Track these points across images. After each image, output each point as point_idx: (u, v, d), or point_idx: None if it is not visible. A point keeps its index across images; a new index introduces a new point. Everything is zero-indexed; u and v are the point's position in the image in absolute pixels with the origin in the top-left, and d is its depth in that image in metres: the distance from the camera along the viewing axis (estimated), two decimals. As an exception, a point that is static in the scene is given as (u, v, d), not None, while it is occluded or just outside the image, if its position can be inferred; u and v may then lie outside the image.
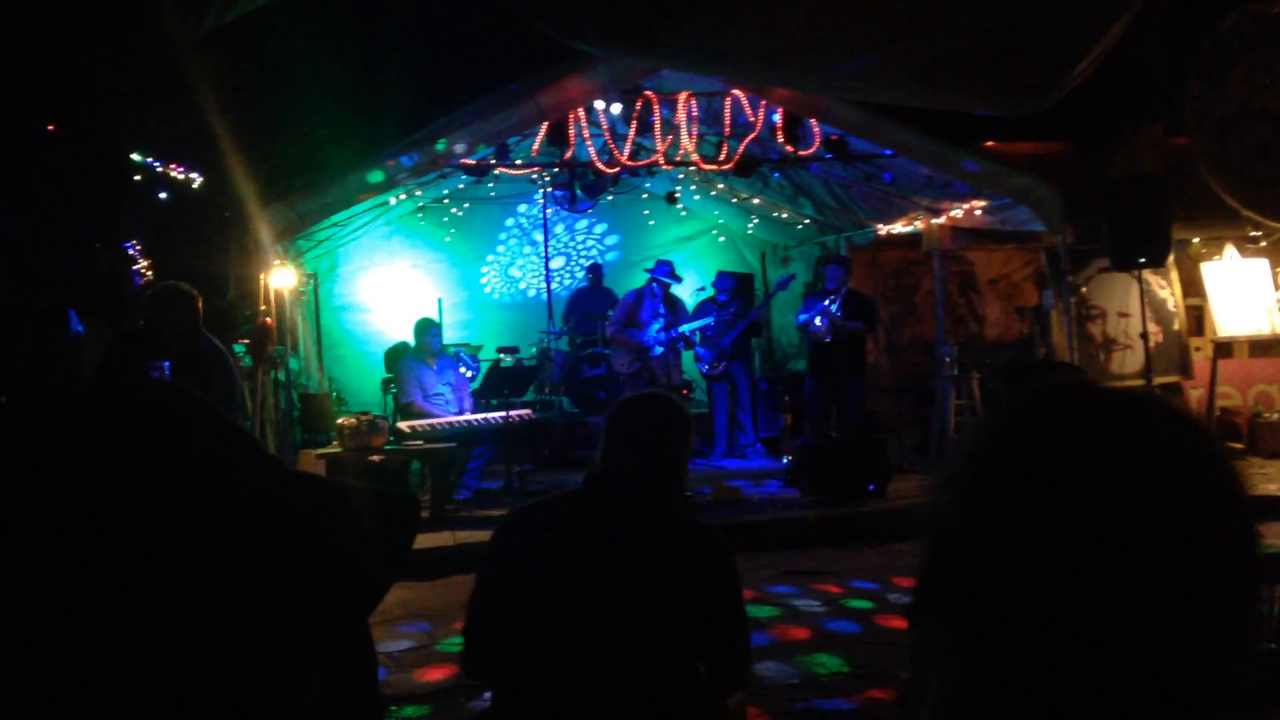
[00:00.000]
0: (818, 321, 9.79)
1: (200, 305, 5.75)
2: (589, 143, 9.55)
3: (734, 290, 10.87)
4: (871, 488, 8.56)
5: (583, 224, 13.10)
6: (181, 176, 7.64)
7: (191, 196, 7.75)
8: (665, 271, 10.29)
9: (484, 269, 12.76)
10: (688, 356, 10.97)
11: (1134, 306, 9.41)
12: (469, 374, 9.74)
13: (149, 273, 7.67)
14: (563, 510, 2.67)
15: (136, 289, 7.46)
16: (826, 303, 9.81)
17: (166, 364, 5.24)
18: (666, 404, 2.70)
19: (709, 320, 10.53)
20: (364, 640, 1.28)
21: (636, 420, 2.65)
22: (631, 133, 9.53)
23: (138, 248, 7.68)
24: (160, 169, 7.43)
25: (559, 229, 12.96)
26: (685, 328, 10.21)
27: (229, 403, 5.62)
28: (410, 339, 10.12)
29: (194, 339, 5.65)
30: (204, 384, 5.48)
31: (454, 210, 12.19)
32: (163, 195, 7.58)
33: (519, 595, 2.51)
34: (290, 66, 8.64)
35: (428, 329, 9.26)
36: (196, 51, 5.72)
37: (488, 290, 12.76)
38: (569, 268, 13.12)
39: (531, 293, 12.90)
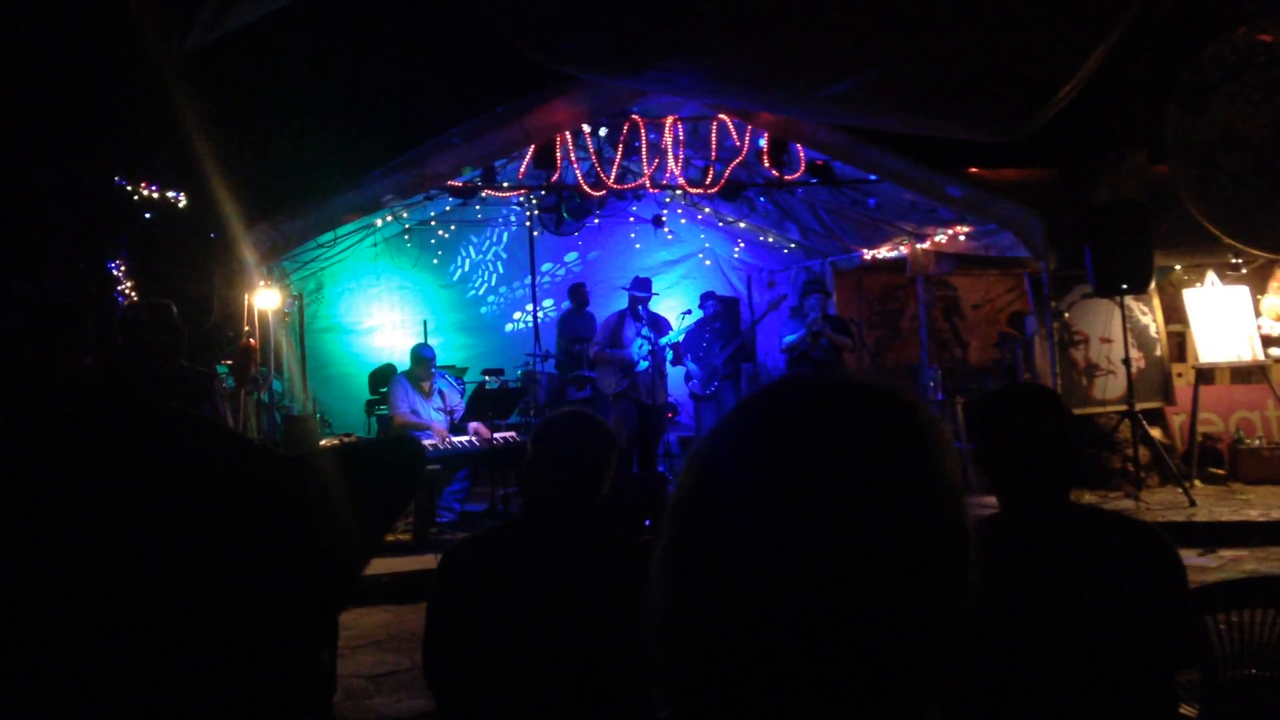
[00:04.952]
0: (809, 339, 9.81)
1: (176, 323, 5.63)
2: (575, 166, 9.58)
3: (721, 311, 10.91)
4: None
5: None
6: (165, 197, 7.62)
7: (176, 217, 7.72)
8: (643, 286, 10.31)
9: (470, 291, 12.75)
10: (675, 378, 10.97)
11: (1116, 332, 9.46)
12: (458, 403, 9.68)
13: (133, 293, 7.63)
14: (506, 541, 2.72)
15: (120, 310, 7.42)
16: (812, 318, 9.83)
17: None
18: (585, 421, 2.72)
19: (690, 328, 10.55)
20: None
21: (559, 441, 2.67)
22: (618, 156, 9.57)
23: (121, 268, 7.64)
24: (144, 189, 7.40)
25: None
26: (668, 338, 10.22)
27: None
28: (396, 362, 10.10)
29: (170, 362, 5.53)
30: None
31: (440, 232, 12.19)
32: (147, 216, 7.55)
33: (475, 627, 2.54)
34: (276, 87, 8.64)
35: (421, 358, 9.22)
36: (181, 71, 5.71)
37: (473, 312, 12.74)
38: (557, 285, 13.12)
39: (517, 315, 12.89)
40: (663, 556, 0.85)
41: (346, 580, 0.96)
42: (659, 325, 10.35)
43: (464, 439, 9.09)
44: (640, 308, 10.19)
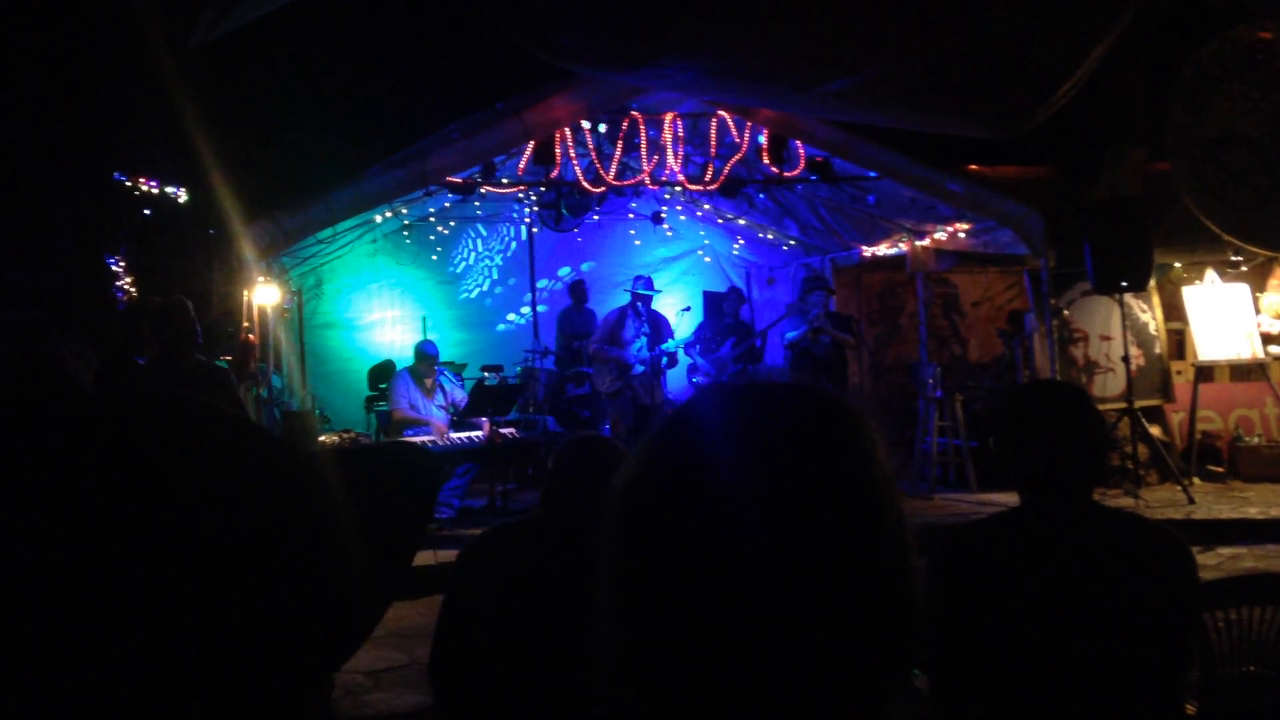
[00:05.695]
0: (810, 335, 9.80)
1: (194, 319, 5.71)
2: (575, 162, 9.57)
3: (735, 308, 10.98)
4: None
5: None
6: (165, 192, 7.62)
7: (175, 212, 7.72)
8: (645, 284, 10.31)
9: (469, 288, 12.74)
10: (675, 375, 10.96)
11: (1116, 330, 9.46)
12: (462, 396, 9.67)
13: (132, 289, 7.63)
14: (524, 538, 2.84)
15: (120, 305, 7.42)
16: (814, 314, 9.82)
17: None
18: (604, 444, 3.01)
19: (690, 338, 10.54)
20: None
21: (580, 461, 2.90)
22: (617, 152, 9.55)
23: (121, 264, 7.64)
24: (144, 185, 7.40)
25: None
26: (668, 345, 10.23)
27: None
28: (395, 357, 10.09)
29: (189, 357, 5.60)
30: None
31: (440, 228, 12.18)
32: (146, 211, 7.54)
33: (489, 621, 2.55)
34: (276, 83, 8.64)
35: (425, 355, 9.24)
36: (182, 68, 5.71)
37: (471, 309, 12.73)
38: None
39: (510, 316, 12.86)
40: (607, 578, 0.84)
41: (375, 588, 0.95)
42: (658, 324, 10.35)
43: (463, 435, 9.10)
44: (640, 305, 10.19)
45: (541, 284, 12.85)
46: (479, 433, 9.14)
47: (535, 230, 12.38)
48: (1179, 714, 2.23)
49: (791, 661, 0.76)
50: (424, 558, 7.31)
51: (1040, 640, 2.12)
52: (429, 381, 9.21)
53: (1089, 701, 2.10)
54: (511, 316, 12.84)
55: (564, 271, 13.05)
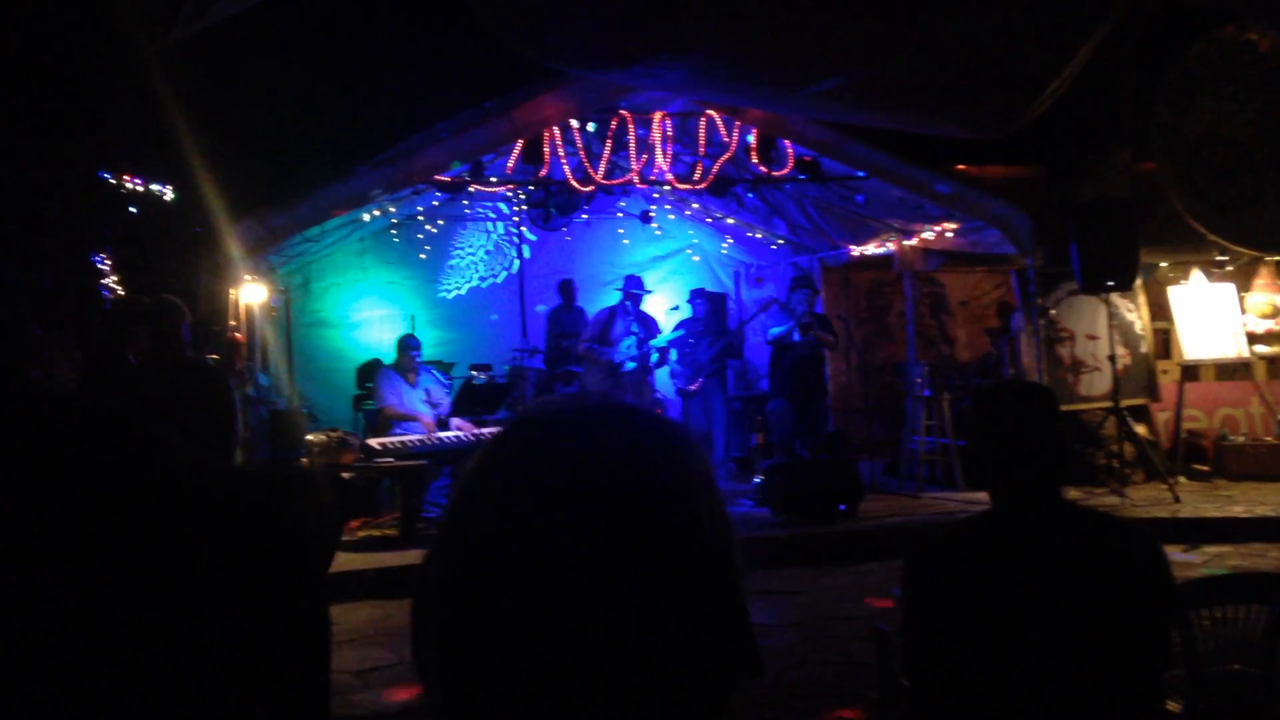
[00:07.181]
0: (795, 335, 9.84)
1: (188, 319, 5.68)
2: (564, 161, 9.56)
3: (709, 308, 10.91)
4: (843, 508, 8.57)
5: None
6: (151, 190, 7.58)
7: (162, 210, 7.69)
8: (636, 284, 10.31)
9: (456, 286, 12.70)
10: (662, 374, 10.96)
11: (1102, 329, 9.49)
12: (444, 396, 9.67)
13: (118, 287, 7.59)
14: None
15: (106, 304, 7.39)
16: (801, 310, 9.85)
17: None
18: None
19: (680, 333, 10.54)
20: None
21: None
22: (606, 151, 9.54)
23: (107, 262, 7.60)
24: (129, 183, 7.36)
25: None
26: (657, 341, 10.23)
27: (225, 426, 5.44)
28: (383, 357, 10.07)
29: (180, 356, 5.58)
30: (199, 405, 5.33)
31: (428, 227, 12.14)
32: (132, 209, 7.51)
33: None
34: (263, 80, 8.60)
35: (408, 346, 9.25)
36: (166, 64, 5.69)
37: (459, 307, 12.69)
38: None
39: (493, 317, 12.82)
40: (438, 588, 0.86)
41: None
42: (647, 325, 10.36)
43: (451, 434, 9.09)
44: (630, 304, 10.19)
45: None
46: (454, 434, 9.13)
47: (524, 229, 12.35)
48: (1158, 712, 2.24)
49: (619, 673, 0.78)
50: (412, 557, 7.30)
51: (1015, 640, 2.12)
52: (411, 376, 9.22)
53: (1067, 701, 2.11)
54: (494, 317, 12.79)
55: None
